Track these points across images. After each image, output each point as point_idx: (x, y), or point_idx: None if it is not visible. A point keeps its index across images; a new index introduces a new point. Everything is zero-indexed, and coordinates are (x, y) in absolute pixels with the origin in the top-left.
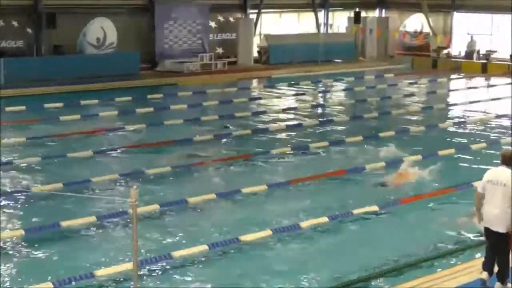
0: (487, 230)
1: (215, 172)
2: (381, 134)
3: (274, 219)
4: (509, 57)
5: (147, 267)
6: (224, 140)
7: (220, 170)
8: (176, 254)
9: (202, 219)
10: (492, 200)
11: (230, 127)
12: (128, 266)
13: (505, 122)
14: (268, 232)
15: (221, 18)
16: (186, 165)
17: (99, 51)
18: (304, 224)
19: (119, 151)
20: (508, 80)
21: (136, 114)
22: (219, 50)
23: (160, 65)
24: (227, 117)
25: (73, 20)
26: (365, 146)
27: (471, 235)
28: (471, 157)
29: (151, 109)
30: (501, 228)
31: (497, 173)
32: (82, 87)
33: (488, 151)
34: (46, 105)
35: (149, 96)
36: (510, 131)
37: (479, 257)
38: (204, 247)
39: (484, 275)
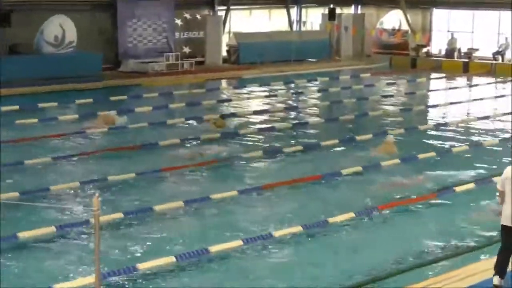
0: (506, 229)
1: (182, 178)
2: (358, 137)
3: (245, 228)
4: (491, 56)
5: (111, 280)
6: (193, 144)
7: (188, 176)
8: (142, 266)
9: (169, 228)
10: (510, 197)
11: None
12: (90, 279)
13: (488, 123)
14: (239, 242)
15: (187, 15)
16: (152, 171)
17: (57, 50)
18: (278, 233)
19: (80, 157)
20: (491, 79)
21: (98, 117)
22: (186, 49)
23: (124, 65)
24: (195, 120)
25: (29, 17)
26: (342, 149)
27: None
28: (452, 161)
29: (114, 112)
30: None
31: None
32: (39, 88)
33: (470, 154)
34: (1, 108)
35: (111, 98)
36: (493, 133)
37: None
38: (172, 258)
39: (496, 279)
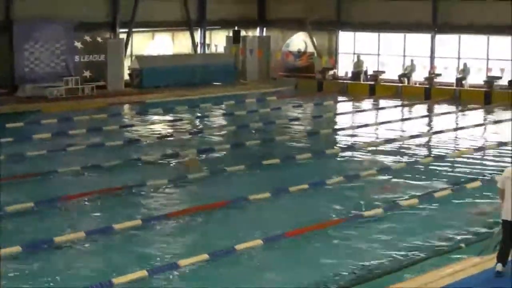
0: (506, 223)
1: (84, 208)
2: (265, 162)
3: (150, 258)
4: (397, 78)
5: None
6: (94, 172)
7: (89, 205)
8: None
9: (71, 260)
10: (510, 194)
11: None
12: None
13: (395, 146)
14: (143, 273)
15: (88, 38)
16: (51, 200)
17: None
18: (184, 262)
19: None
20: (397, 102)
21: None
22: (87, 73)
23: (21, 90)
24: (96, 146)
25: None
26: (248, 174)
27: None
28: (360, 185)
29: (10, 139)
30: None
31: None
32: None
33: (378, 178)
34: None
35: (8, 125)
36: (400, 156)
37: None
38: None
39: (499, 266)
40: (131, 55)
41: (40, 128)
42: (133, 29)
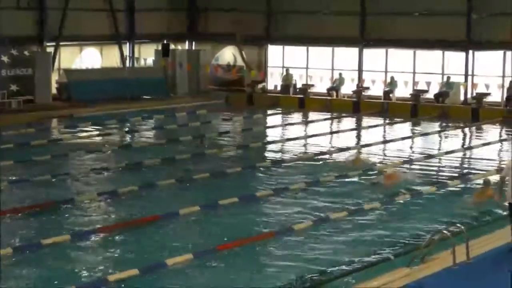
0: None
1: (11, 223)
2: (196, 176)
3: (79, 274)
4: (326, 91)
5: None
6: (21, 187)
7: (17, 221)
8: None
9: None
10: None
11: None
12: None
13: (325, 159)
14: None
15: (14, 52)
16: None
17: None
18: (113, 277)
19: None
20: (326, 115)
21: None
22: (14, 87)
23: None
24: (25, 162)
25: None
26: (178, 189)
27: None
28: (291, 199)
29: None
30: None
31: None
32: None
33: (308, 190)
34: None
35: None
36: (329, 169)
37: None
38: None
39: None
40: (59, 69)
41: None
42: (61, 43)
